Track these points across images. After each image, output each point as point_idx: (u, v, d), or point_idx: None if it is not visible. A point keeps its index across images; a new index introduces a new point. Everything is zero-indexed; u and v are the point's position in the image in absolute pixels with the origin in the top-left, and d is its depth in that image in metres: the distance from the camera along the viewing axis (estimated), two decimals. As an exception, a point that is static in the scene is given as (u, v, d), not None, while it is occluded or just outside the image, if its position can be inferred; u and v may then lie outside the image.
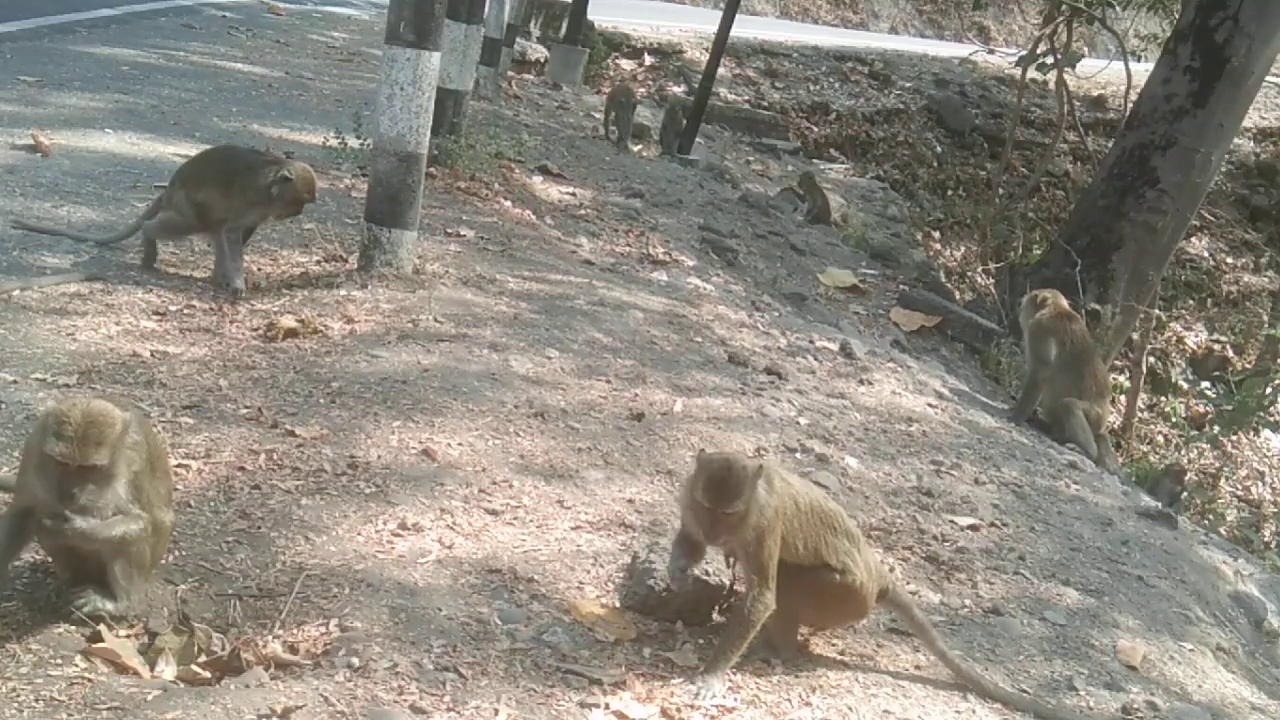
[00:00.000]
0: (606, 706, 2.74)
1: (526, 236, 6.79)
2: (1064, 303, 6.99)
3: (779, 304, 7.57)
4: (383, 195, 5.33)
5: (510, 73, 14.13)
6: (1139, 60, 17.48)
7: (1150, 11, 16.78)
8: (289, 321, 4.60)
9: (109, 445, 2.58)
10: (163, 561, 3.01)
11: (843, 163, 17.94)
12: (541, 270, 6.11)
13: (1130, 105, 12.59)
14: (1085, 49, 19.15)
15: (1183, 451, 13.28)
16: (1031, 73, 15.14)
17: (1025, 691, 3.29)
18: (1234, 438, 13.40)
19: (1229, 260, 18.48)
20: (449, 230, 6.35)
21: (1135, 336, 12.88)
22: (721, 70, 15.84)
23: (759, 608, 2.92)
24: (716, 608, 3.25)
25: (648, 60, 19.08)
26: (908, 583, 3.74)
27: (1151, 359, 14.86)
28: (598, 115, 13.96)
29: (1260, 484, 14.29)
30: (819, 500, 3.16)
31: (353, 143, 7.13)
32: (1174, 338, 16.87)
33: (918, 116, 19.50)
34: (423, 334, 4.73)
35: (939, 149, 19.13)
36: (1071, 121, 16.36)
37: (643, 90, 17.91)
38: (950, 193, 18.30)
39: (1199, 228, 17.99)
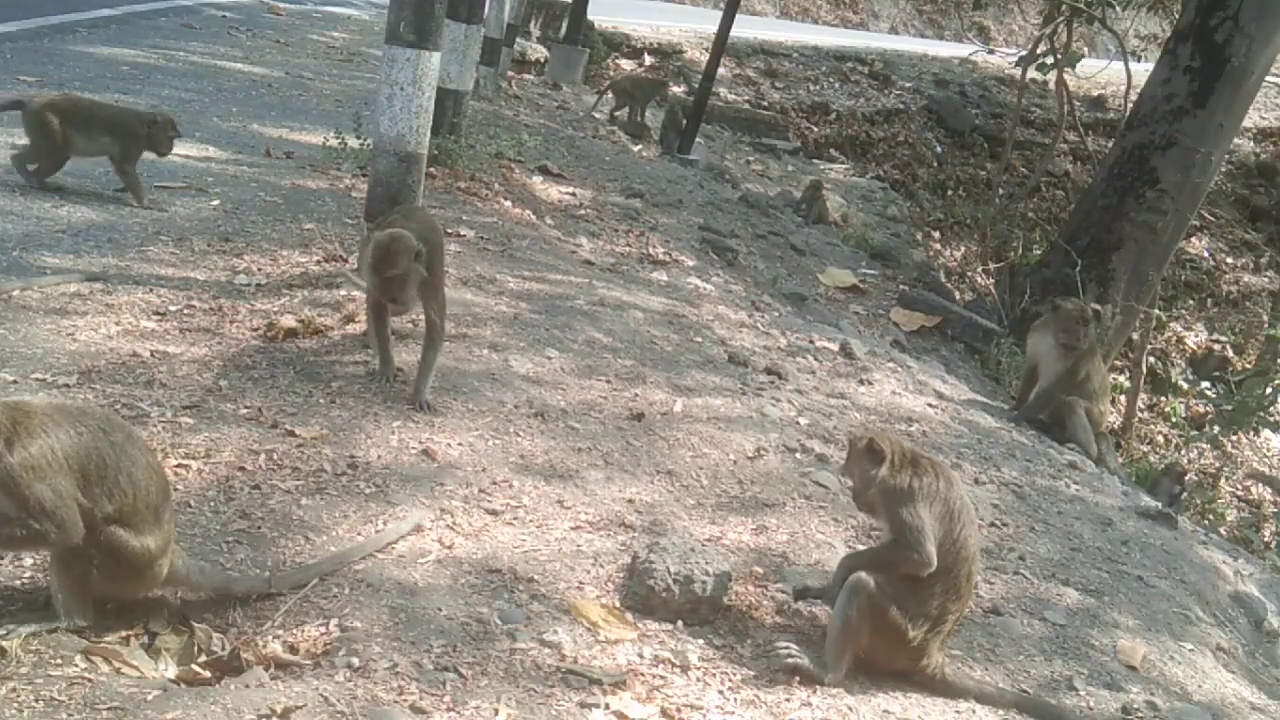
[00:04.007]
0: (606, 706, 2.74)
1: (526, 236, 6.79)
2: None
3: (779, 304, 7.57)
4: (383, 195, 5.33)
5: (510, 73, 14.13)
6: (1139, 60, 17.51)
7: (1150, 11, 16.81)
8: (289, 321, 4.60)
9: None
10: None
11: (843, 163, 17.94)
12: (541, 270, 6.11)
13: (1130, 105, 12.60)
14: (1085, 49, 19.17)
15: (1183, 451, 13.28)
16: (1031, 73, 15.16)
17: (1025, 691, 3.29)
18: (1234, 438, 13.40)
19: (1229, 260, 18.48)
20: (449, 230, 6.33)
21: (1135, 336, 12.88)
22: (721, 70, 15.85)
23: None
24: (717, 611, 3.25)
25: (648, 60, 19.09)
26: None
27: (1151, 359, 14.87)
28: (598, 115, 13.99)
29: (1260, 484, 14.27)
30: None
31: (353, 143, 7.13)
32: (1174, 338, 16.87)
33: (918, 116, 19.51)
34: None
35: (939, 149, 19.14)
36: (1071, 121, 16.38)
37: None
38: (950, 193, 18.30)
39: (1199, 228, 17.99)
